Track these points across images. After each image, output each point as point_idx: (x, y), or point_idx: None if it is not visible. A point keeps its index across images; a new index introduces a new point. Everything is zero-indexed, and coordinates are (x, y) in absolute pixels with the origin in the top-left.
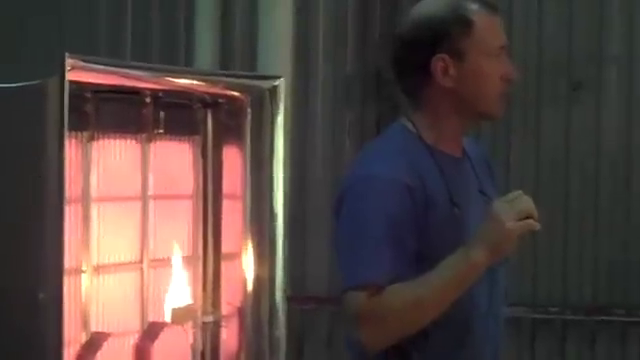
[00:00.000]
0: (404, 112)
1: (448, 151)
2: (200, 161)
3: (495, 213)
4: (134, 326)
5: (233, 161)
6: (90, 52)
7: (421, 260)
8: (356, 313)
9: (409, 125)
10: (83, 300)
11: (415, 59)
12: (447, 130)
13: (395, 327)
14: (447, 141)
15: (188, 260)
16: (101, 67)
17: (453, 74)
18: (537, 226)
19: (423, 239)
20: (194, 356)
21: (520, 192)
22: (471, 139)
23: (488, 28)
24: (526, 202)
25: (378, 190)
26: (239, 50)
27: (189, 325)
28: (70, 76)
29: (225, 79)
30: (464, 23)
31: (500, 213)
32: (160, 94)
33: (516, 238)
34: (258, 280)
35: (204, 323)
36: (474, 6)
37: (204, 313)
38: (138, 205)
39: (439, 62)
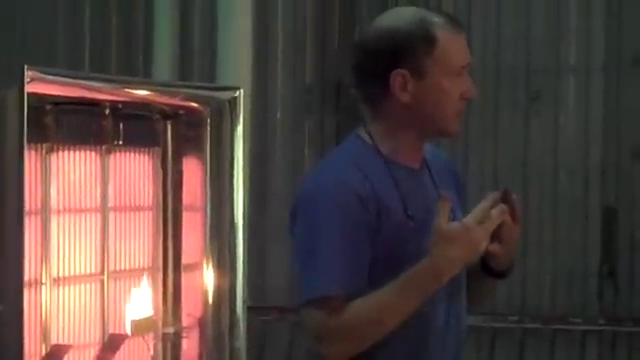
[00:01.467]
0: (362, 122)
1: (404, 162)
2: (160, 172)
3: (466, 234)
4: (94, 338)
5: (193, 172)
6: (49, 64)
7: (377, 267)
8: (316, 329)
9: (365, 136)
10: (43, 312)
11: (375, 70)
12: (403, 142)
13: (357, 342)
14: (403, 153)
15: (148, 272)
16: (61, 79)
17: (411, 90)
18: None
19: (378, 247)
20: None
21: (487, 210)
22: (435, 149)
23: (452, 47)
24: (496, 219)
25: (328, 201)
26: (198, 61)
27: (150, 337)
28: (29, 88)
29: (184, 90)
30: (428, 40)
31: (473, 234)
32: (119, 106)
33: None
34: (218, 291)
35: (165, 334)
36: (440, 22)
37: (165, 324)
38: (98, 217)
39: (398, 77)
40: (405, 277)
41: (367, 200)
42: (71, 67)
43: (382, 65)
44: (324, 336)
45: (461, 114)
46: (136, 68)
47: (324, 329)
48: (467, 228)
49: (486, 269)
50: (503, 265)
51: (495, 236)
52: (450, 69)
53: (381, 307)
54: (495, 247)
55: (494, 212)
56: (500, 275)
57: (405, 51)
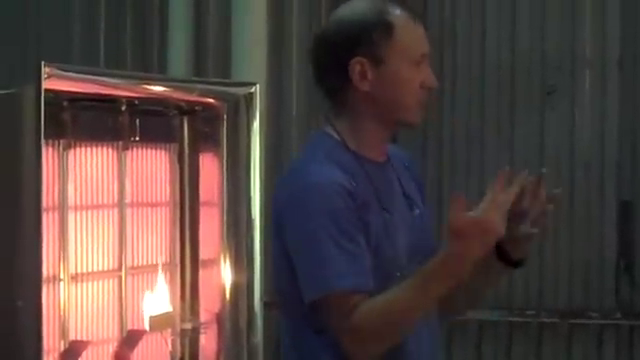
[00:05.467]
0: (326, 119)
1: (371, 156)
2: (177, 168)
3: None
4: (113, 334)
5: (210, 168)
6: (64, 60)
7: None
8: (335, 327)
9: (333, 133)
10: (61, 308)
11: (334, 61)
12: (368, 136)
13: (377, 342)
14: (369, 147)
15: (166, 267)
16: (78, 75)
17: (371, 78)
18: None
19: (365, 238)
20: None
21: (498, 192)
22: (397, 145)
23: (410, 35)
24: (506, 197)
25: (322, 196)
26: (212, 58)
27: (168, 332)
28: (46, 84)
29: (201, 86)
30: (386, 27)
31: (487, 216)
32: (136, 102)
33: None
34: (236, 287)
35: (182, 330)
36: (397, 12)
37: (182, 320)
38: (115, 213)
39: (357, 65)
40: (423, 273)
41: (352, 192)
42: (85, 63)
43: (341, 56)
44: (342, 335)
45: (423, 104)
46: (151, 66)
47: (342, 328)
48: (479, 219)
49: (500, 256)
50: (521, 253)
51: (524, 219)
52: (408, 57)
53: (400, 305)
54: (527, 228)
55: (506, 191)
56: (515, 264)
57: (362, 39)
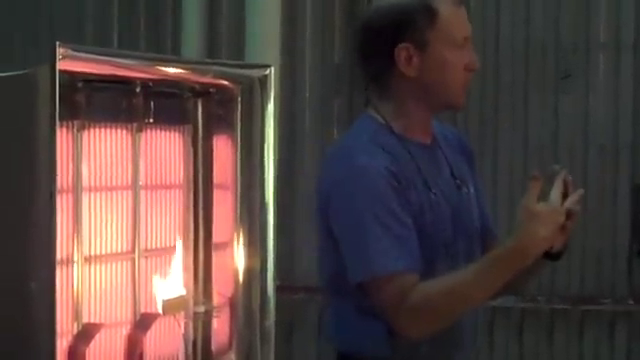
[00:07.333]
0: (371, 103)
1: (417, 139)
2: (190, 151)
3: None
4: (126, 317)
5: (223, 150)
6: (77, 41)
7: None
8: (390, 307)
9: (377, 116)
10: (75, 291)
11: (379, 47)
12: (413, 119)
13: (435, 321)
14: (415, 129)
15: (179, 250)
16: (92, 56)
17: (416, 63)
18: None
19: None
20: (186, 346)
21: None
22: (443, 124)
23: (452, 19)
24: (576, 205)
25: (367, 179)
26: (226, 42)
27: (181, 315)
28: (61, 65)
29: (215, 68)
30: (429, 13)
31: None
32: (150, 84)
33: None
34: (249, 270)
35: (196, 313)
36: None
37: (196, 303)
38: (129, 195)
39: (402, 51)
40: (491, 256)
41: (397, 173)
42: (99, 44)
43: (386, 42)
44: (395, 315)
45: (466, 86)
46: (164, 46)
47: (396, 308)
48: (554, 209)
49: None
50: (558, 246)
51: None
52: (452, 40)
53: (463, 288)
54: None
55: (574, 198)
56: (554, 256)
57: (407, 25)
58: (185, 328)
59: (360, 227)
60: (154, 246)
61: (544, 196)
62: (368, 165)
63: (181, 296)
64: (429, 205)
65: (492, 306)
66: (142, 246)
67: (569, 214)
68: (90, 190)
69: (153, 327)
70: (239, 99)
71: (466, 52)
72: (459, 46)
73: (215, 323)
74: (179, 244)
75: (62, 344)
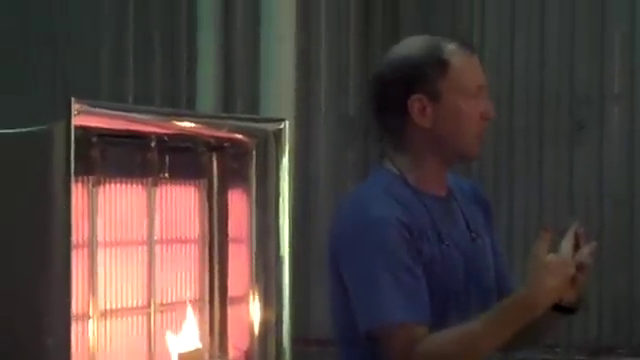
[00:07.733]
0: (386, 154)
1: (432, 191)
2: (206, 205)
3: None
4: None
5: (239, 204)
6: (92, 96)
7: None
8: (406, 354)
9: (392, 168)
10: (90, 345)
11: (393, 100)
12: (428, 170)
13: None
14: (429, 181)
15: (195, 304)
16: (107, 111)
17: (430, 114)
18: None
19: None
20: None
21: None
22: (458, 176)
23: (465, 68)
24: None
25: (379, 230)
26: (240, 91)
27: None
28: (76, 121)
29: (230, 122)
30: (440, 64)
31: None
32: (165, 138)
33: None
34: (265, 324)
35: None
36: (451, 46)
37: (211, 357)
38: (144, 249)
39: (416, 102)
40: (500, 305)
41: (409, 225)
42: (114, 99)
43: (399, 94)
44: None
45: (481, 136)
46: (179, 101)
47: (406, 357)
48: (564, 260)
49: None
50: (573, 300)
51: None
52: (465, 89)
53: (473, 337)
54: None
55: (585, 250)
56: (568, 310)
57: (419, 76)
58: None
59: (371, 277)
60: (169, 300)
61: (556, 247)
62: (380, 215)
63: (197, 349)
64: (440, 256)
65: (507, 357)
66: (158, 300)
67: (580, 267)
68: (105, 245)
69: None
70: (254, 153)
71: (481, 101)
72: (473, 95)
73: None
74: (194, 298)
75: None
